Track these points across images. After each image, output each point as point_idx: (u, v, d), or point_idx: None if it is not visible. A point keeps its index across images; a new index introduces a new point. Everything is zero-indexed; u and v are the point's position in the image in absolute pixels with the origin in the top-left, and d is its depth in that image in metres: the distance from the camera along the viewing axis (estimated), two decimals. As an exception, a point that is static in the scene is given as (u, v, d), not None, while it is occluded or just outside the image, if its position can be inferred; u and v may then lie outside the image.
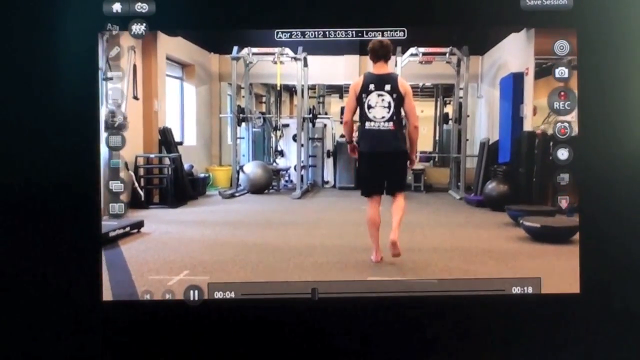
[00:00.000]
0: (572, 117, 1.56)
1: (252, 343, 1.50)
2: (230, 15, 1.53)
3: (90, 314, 1.48)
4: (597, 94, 1.50)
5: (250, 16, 1.54)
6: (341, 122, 5.43)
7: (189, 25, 1.62)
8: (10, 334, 1.48)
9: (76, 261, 1.47)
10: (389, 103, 2.53)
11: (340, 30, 1.62)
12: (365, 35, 1.64)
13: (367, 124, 2.56)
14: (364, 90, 2.56)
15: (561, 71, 1.54)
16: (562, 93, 1.55)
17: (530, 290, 1.53)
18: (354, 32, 1.63)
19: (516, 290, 1.53)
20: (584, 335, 1.49)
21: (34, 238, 1.47)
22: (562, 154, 1.56)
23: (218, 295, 1.52)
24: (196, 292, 1.51)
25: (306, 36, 1.62)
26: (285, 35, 1.67)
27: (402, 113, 2.58)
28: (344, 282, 1.57)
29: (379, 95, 2.54)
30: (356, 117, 2.70)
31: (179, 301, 1.51)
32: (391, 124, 2.54)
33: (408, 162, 2.67)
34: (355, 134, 2.73)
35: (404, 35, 1.63)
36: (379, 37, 2.53)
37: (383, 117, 2.54)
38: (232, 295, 1.52)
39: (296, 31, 1.63)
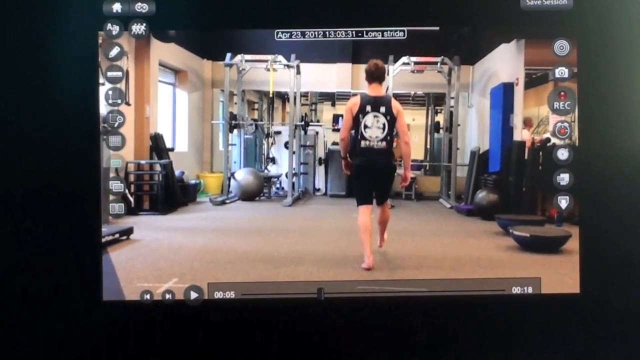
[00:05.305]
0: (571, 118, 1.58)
1: (252, 343, 1.50)
2: (230, 15, 1.53)
3: (91, 314, 1.48)
4: (597, 95, 1.51)
5: (250, 16, 1.54)
6: (333, 130, 5.48)
7: (188, 25, 1.62)
8: (11, 333, 1.48)
9: (76, 261, 1.47)
10: (384, 124, 2.73)
11: (340, 30, 1.62)
12: (365, 35, 1.64)
13: (363, 143, 2.75)
14: (361, 111, 2.74)
15: (561, 71, 1.55)
16: (562, 93, 1.56)
17: (530, 290, 1.54)
18: (353, 32, 1.63)
19: (516, 290, 1.54)
20: (583, 335, 1.50)
21: (34, 239, 1.47)
22: (562, 154, 1.56)
23: (218, 295, 1.52)
24: (196, 292, 1.52)
25: (306, 36, 1.61)
26: (285, 35, 1.67)
27: (394, 132, 2.78)
28: (349, 281, 1.57)
29: (374, 116, 2.74)
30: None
31: (179, 301, 1.52)
32: (384, 143, 2.75)
33: (401, 179, 2.91)
34: None
35: (403, 36, 1.64)
36: (375, 60, 2.73)
37: (377, 137, 2.74)
38: (232, 295, 1.52)
39: (296, 31, 1.63)
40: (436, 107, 5.54)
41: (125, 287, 1.72)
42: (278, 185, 5.11)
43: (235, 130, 5.04)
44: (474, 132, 4.83)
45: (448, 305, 1.53)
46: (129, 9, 1.49)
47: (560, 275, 1.58)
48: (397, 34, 1.65)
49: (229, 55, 4.65)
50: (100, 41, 1.51)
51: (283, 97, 5.88)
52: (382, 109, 2.74)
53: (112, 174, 1.61)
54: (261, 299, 1.53)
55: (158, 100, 4.15)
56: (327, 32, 1.62)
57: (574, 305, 1.50)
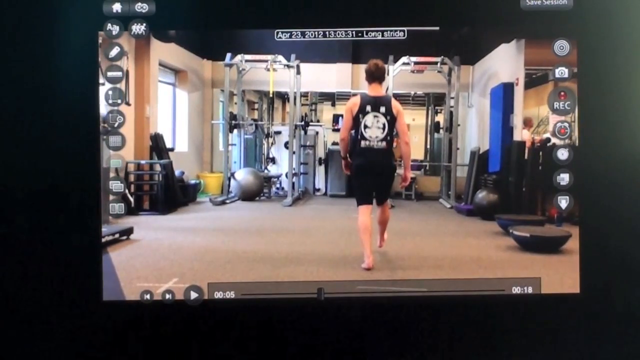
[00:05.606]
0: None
1: (252, 343, 1.50)
2: (230, 15, 1.53)
3: (91, 314, 1.48)
4: (597, 95, 1.51)
5: (250, 16, 1.54)
6: (333, 130, 5.48)
7: (188, 25, 1.62)
8: (11, 333, 1.48)
9: (77, 261, 1.48)
10: (384, 124, 2.74)
11: (340, 31, 1.62)
12: (365, 36, 1.64)
13: (363, 143, 2.76)
14: (361, 111, 2.75)
15: (561, 71, 1.55)
16: (562, 93, 1.56)
17: (530, 290, 1.54)
18: (353, 32, 1.63)
19: (516, 290, 1.54)
20: (583, 335, 1.51)
21: (34, 239, 1.47)
22: (562, 154, 1.56)
23: (218, 295, 1.52)
24: (196, 292, 1.52)
25: (306, 36, 1.61)
26: (285, 35, 1.67)
27: (394, 132, 2.79)
28: (349, 281, 1.58)
29: (374, 116, 2.74)
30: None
31: (179, 301, 1.52)
32: (384, 143, 2.75)
33: (401, 179, 2.92)
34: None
35: (403, 36, 1.64)
36: (375, 60, 2.74)
37: (377, 137, 2.75)
38: (232, 295, 1.53)
39: (296, 31, 1.63)
40: (436, 107, 5.54)
41: (125, 287, 1.72)
42: (278, 185, 5.11)
43: (235, 130, 5.04)
44: (474, 132, 4.83)
45: (448, 305, 1.53)
46: (129, 9, 1.50)
47: (560, 275, 1.58)
48: (397, 34, 1.65)
49: (229, 55, 4.65)
50: (100, 41, 1.51)
51: (283, 97, 5.88)
52: (382, 109, 2.75)
53: (112, 174, 1.61)
54: (261, 299, 1.53)
55: (158, 100, 4.15)
56: (327, 32, 1.63)
57: (574, 305, 1.50)
